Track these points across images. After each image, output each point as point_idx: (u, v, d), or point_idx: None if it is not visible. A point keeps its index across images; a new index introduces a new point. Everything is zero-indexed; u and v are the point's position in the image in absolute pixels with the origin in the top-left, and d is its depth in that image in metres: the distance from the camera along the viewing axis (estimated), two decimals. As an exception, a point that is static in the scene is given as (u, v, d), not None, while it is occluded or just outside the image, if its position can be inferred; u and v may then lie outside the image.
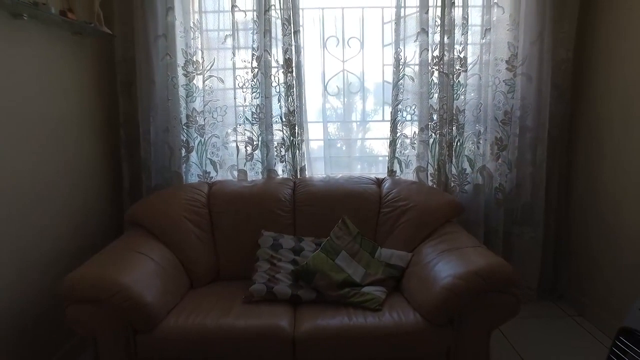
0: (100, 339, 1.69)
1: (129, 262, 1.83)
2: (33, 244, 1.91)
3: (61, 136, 2.11)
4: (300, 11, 2.44)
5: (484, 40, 2.47)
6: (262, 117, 2.50)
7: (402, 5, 2.43)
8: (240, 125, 2.54)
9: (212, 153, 2.58)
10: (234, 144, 2.57)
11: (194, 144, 2.56)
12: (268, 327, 1.73)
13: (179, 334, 1.70)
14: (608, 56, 2.32)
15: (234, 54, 2.47)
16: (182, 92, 2.50)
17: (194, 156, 2.58)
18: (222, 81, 2.54)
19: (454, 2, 2.39)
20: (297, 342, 1.71)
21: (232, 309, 1.85)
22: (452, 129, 2.51)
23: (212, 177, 2.59)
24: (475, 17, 2.47)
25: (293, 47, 2.44)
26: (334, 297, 1.90)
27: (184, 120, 2.53)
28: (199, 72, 2.50)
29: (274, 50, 2.45)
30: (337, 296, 1.90)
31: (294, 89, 2.47)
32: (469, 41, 2.46)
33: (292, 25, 2.42)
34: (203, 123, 2.54)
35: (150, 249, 1.99)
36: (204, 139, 2.56)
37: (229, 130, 2.57)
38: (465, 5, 2.42)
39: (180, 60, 2.48)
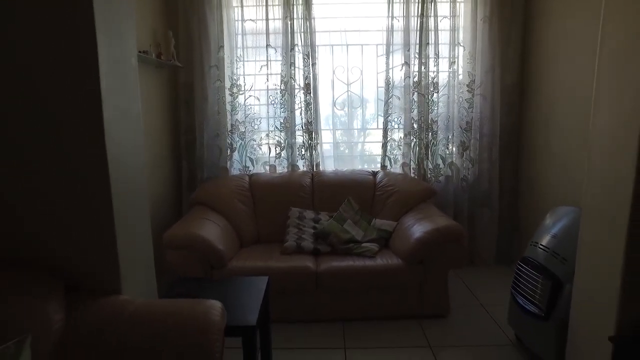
0: (189, 273, 2.55)
1: (203, 224, 2.70)
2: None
3: (147, 140, 2.98)
4: (317, 48, 3.33)
5: (450, 70, 3.36)
6: (287, 126, 3.38)
7: (391, 43, 3.32)
8: (271, 131, 3.42)
9: (250, 152, 3.46)
10: (266, 146, 3.45)
11: (237, 145, 3.44)
12: (300, 266, 2.60)
13: (240, 270, 2.56)
14: (543, 81, 3.20)
15: (267, 79, 3.35)
16: (228, 107, 3.38)
17: (236, 155, 3.46)
18: (258, 99, 3.42)
19: (428, 42, 3.28)
20: (319, 276, 2.58)
21: (272, 257, 2.72)
22: (428, 134, 3.39)
23: (250, 170, 3.47)
24: (444, 53, 3.34)
25: (311, 75, 3.32)
26: (342, 250, 2.78)
27: (229, 128, 3.40)
28: (241, 93, 3.38)
29: (297, 77, 3.33)
30: (345, 249, 2.78)
31: (311, 105, 3.35)
32: (439, 70, 3.34)
33: (310, 59, 3.30)
34: (244, 130, 3.41)
35: (214, 218, 2.87)
36: (244, 142, 3.43)
37: (263, 136, 3.46)
38: (436, 44, 3.30)
39: (227, 83, 3.36)
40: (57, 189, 1.51)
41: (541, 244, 2.17)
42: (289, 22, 3.25)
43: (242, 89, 3.37)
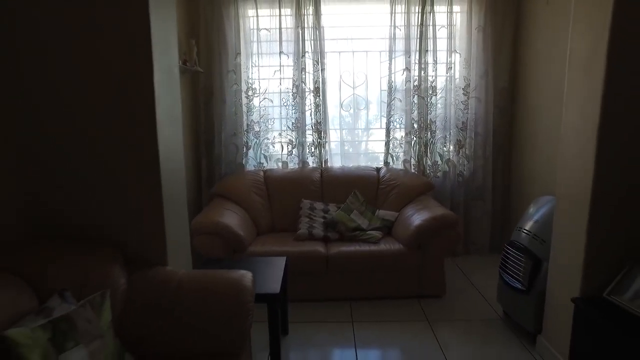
0: (215, 255, 2.87)
1: (225, 213, 3.03)
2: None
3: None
4: (325, 54, 3.64)
5: (447, 75, 3.67)
6: (298, 126, 3.70)
7: (393, 50, 3.63)
8: (283, 131, 3.74)
9: (264, 150, 3.78)
10: (279, 144, 3.77)
11: (252, 144, 3.76)
12: (312, 251, 2.92)
13: (258, 254, 2.88)
14: (530, 85, 3.51)
15: (280, 83, 3.67)
16: (244, 109, 3.70)
17: (251, 152, 3.78)
18: (272, 101, 3.74)
19: (427, 50, 3.59)
20: (329, 259, 2.90)
21: (287, 243, 3.04)
22: (427, 134, 3.70)
23: (264, 166, 3.79)
24: (442, 59, 3.66)
25: (320, 79, 3.63)
26: (349, 236, 3.10)
27: (245, 128, 3.72)
28: (256, 95, 3.70)
29: (307, 81, 3.65)
30: (351, 236, 3.10)
31: (320, 107, 3.67)
32: (437, 75, 3.65)
33: (319, 64, 3.62)
34: (258, 130, 3.73)
35: (234, 208, 3.19)
36: (259, 141, 3.76)
37: (276, 135, 3.78)
38: (434, 51, 3.62)
39: (244, 87, 3.68)
40: (122, 183, 1.84)
41: (524, 229, 2.48)
42: (300, 31, 3.57)
43: (257, 92, 3.69)
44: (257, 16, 3.61)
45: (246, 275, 1.81)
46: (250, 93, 3.68)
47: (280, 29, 3.60)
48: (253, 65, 3.67)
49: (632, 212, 1.84)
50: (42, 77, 1.76)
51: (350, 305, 2.89)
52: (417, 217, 3.01)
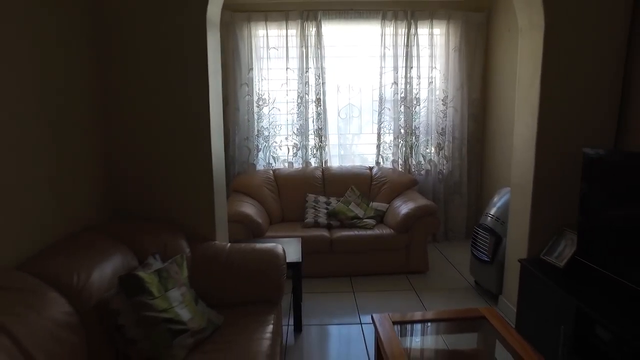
0: (239, 238, 3.45)
1: (244, 205, 3.61)
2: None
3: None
4: (325, 70, 4.26)
5: (429, 88, 4.33)
6: (302, 131, 4.31)
7: (383, 66, 4.26)
8: (290, 136, 4.34)
9: (273, 152, 4.37)
10: (286, 147, 4.37)
11: (262, 147, 4.35)
12: (318, 235, 3.52)
13: (273, 238, 3.48)
14: (498, 97, 4.18)
15: (286, 94, 4.27)
16: (255, 116, 4.29)
17: (261, 154, 4.37)
18: (279, 110, 4.34)
19: (412, 67, 4.24)
20: (332, 242, 3.51)
21: (297, 230, 3.64)
22: (412, 138, 4.35)
23: (273, 166, 4.38)
24: (424, 74, 4.31)
25: (321, 91, 4.25)
26: (348, 224, 3.71)
27: (256, 133, 4.31)
28: (265, 105, 4.30)
29: (310, 93, 4.26)
30: (350, 223, 3.72)
31: (321, 115, 4.28)
32: (421, 88, 4.31)
33: (320, 78, 4.23)
34: (268, 134, 4.33)
35: (250, 201, 3.77)
36: (268, 144, 4.35)
37: (283, 139, 4.37)
38: (418, 68, 4.27)
39: (255, 97, 4.27)
40: (183, 177, 2.42)
41: (489, 213, 3.13)
42: (304, 50, 4.18)
43: (267, 102, 4.29)
44: (267, 36, 4.20)
45: (278, 246, 2.41)
46: (260, 103, 4.27)
47: (287, 47, 4.20)
48: (263, 78, 4.27)
49: (562, 197, 2.49)
50: (139, 101, 2.34)
51: (350, 280, 3.51)
52: (404, 207, 3.64)
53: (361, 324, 2.83)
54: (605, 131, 2.45)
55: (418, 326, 2.09)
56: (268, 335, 1.94)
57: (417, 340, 2.07)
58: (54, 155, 1.94)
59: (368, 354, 2.47)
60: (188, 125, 2.39)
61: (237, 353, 1.77)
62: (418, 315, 2.09)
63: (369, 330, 2.73)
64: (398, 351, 1.73)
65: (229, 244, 2.44)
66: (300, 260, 2.61)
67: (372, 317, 2.03)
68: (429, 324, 2.08)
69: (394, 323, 1.95)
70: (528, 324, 2.41)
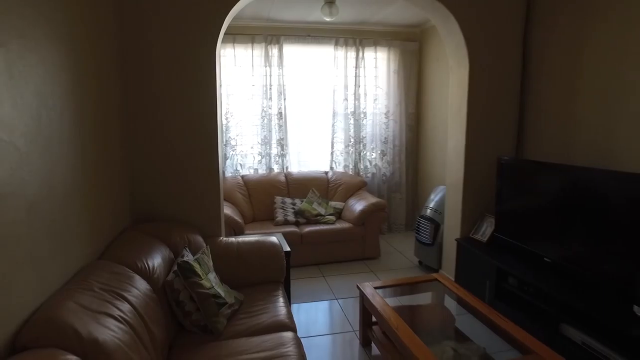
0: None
1: (224, 207, 4.09)
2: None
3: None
4: (286, 88, 4.86)
5: (374, 103, 5.13)
6: (266, 141, 4.87)
7: (335, 84, 4.98)
8: (255, 145, 4.88)
9: (240, 160, 4.88)
10: (252, 155, 4.89)
11: (229, 155, 4.83)
12: (290, 231, 4.12)
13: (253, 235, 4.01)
14: (428, 112, 5.10)
15: (251, 109, 4.80)
16: (224, 128, 4.76)
17: (229, 162, 4.85)
18: (245, 122, 4.85)
19: (359, 85, 5.01)
20: (302, 236, 4.14)
21: (270, 227, 4.21)
22: (360, 146, 5.12)
23: (240, 172, 4.88)
24: (370, 92, 5.10)
25: (283, 106, 4.85)
26: (313, 220, 4.37)
27: (224, 143, 4.78)
28: (233, 117, 4.79)
29: (273, 107, 4.84)
30: (315, 220, 4.37)
31: (283, 127, 4.88)
32: (367, 103, 5.09)
33: (282, 94, 4.83)
34: (235, 144, 4.82)
35: (227, 204, 4.26)
36: (236, 152, 4.84)
37: (249, 148, 4.89)
38: (364, 85, 5.04)
39: (224, 111, 4.74)
40: (196, 184, 2.90)
41: (429, 206, 3.98)
42: (268, 69, 4.75)
43: (234, 115, 4.78)
44: (235, 56, 4.70)
45: (275, 239, 2.99)
46: (228, 116, 4.76)
47: (252, 66, 4.74)
48: (230, 94, 4.76)
49: (483, 191, 3.38)
50: (164, 120, 2.77)
51: (319, 267, 4.16)
52: (359, 205, 4.38)
53: (337, 299, 3.49)
54: (511, 143, 3.39)
55: (389, 290, 2.81)
56: (282, 304, 2.53)
57: (390, 300, 2.79)
58: (103, 167, 2.35)
59: (348, 320, 3.13)
60: (200, 139, 2.88)
61: (266, 317, 2.34)
62: (389, 281, 2.81)
63: (345, 304, 3.40)
64: (382, 302, 2.42)
65: (237, 239, 2.96)
66: (290, 250, 3.21)
67: (357, 285, 2.70)
68: (399, 287, 2.81)
69: (375, 288, 2.65)
70: (464, 283, 3.26)
